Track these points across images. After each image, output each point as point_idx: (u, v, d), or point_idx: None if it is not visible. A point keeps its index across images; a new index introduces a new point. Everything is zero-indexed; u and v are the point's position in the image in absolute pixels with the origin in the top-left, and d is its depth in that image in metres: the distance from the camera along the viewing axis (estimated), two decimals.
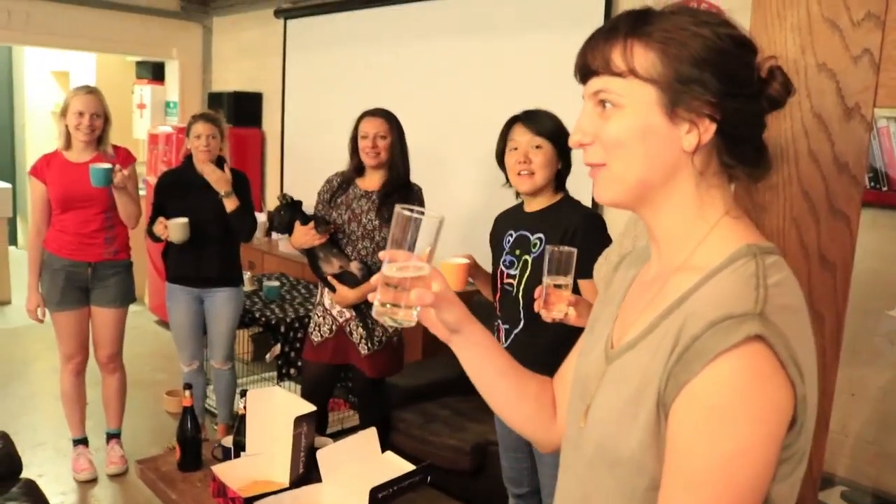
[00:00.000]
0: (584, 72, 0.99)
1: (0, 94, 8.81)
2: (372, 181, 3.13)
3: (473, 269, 2.51)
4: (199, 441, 2.50)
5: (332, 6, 5.54)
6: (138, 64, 7.15)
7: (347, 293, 3.06)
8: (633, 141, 0.95)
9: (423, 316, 1.13)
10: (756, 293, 0.87)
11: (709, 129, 0.93)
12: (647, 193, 0.98)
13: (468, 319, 1.16)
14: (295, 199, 3.23)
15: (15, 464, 2.82)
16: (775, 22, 1.14)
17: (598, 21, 3.72)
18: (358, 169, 3.15)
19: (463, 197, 4.40)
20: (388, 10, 5.08)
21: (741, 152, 0.96)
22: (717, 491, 0.85)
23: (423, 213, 1.07)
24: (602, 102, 0.97)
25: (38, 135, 8.75)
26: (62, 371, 3.67)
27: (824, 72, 1.13)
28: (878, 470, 3.00)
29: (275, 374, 4.32)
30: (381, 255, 1.10)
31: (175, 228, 3.44)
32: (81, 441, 3.77)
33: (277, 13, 6.03)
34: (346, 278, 3.08)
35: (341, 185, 3.17)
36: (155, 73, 7.03)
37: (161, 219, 3.49)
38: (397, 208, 1.08)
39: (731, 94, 0.92)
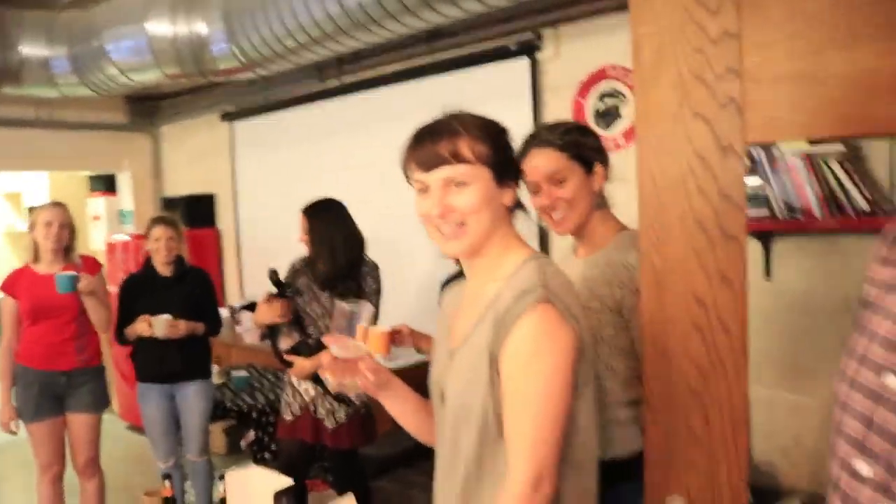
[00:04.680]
0: (433, 162, 1.40)
1: None
2: (323, 265, 3.28)
3: (410, 337, 2.50)
4: None
5: (275, 105, 5.80)
6: (91, 178, 7.29)
7: (304, 363, 3.16)
8: (484, 205, 1.40)
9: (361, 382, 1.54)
10: (539, 275, 1.36)
11: (515, 188, 1.47)
12: (486, 239, 1.44)
13: (392, 378, 1.60)
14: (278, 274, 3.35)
15: None
16: (653, 83, 1.35)
17: (527, 96, 4.02)
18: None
19: (418, 270, 4.57)
20: (330, 104, 5.34)
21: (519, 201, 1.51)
22: (540, 402, 1.31)
23: (356, 304, 1.52)
24: (451, 183, 1.40)
25: None
26: (39, 482, 3.68)
27: (699, 119, 1.34)
28: None
29: (249, 462, 4.37)
30: (325, 339, 1.53)
31: (159, 324, 3.56)
32: None
33: (223, 117, 6.26)
34: (301, 350, 3.20)
35: (302, 269, 3.34)
36: (107, 184, 7.17)
37: (144, 316, 3.59)
38: (337, 303, 1.51)
39: (516, 164, 1.50)
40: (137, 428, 6.05)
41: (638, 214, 1.40)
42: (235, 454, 5.06)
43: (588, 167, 1.94)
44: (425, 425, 1.64)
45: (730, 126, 1.32)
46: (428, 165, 1.41)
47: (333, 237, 3.25)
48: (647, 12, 1.35)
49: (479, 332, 1.40)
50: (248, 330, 5.45)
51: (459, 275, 2.74)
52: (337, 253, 3.23)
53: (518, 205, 1.49)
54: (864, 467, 1.01)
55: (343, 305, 1.50)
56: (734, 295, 1.35)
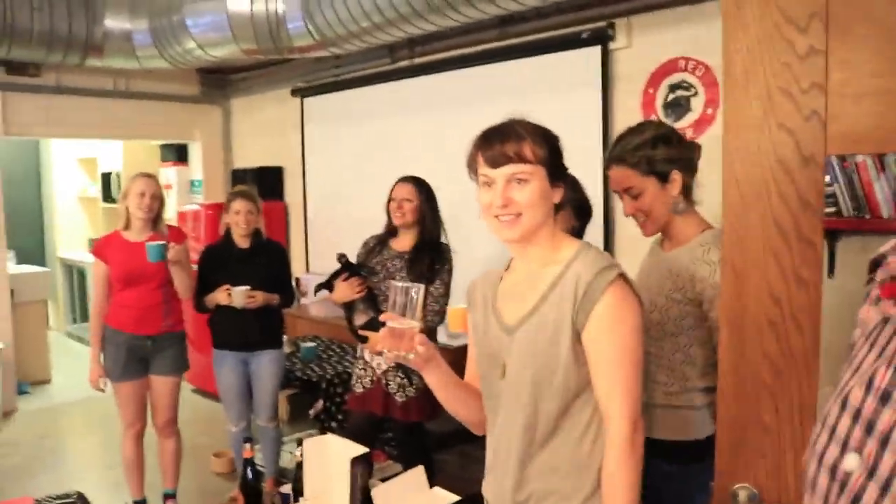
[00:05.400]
0: (500, 161, 1.61)
1: (29, 183, 9.19)
2: (404, 242, 3.42)
3: None
4: (260, 490, 2.74)
5: (346, 83, 5.94)
6: (163, 147, 7.53)
7: (378, 338, 3.29)
8: (539, 200, 1.63)
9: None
10: (607, 258, 1.65)
11: (562, 188, 1.68)
12: (537, 230, 1.66)
13: (436, 353, 1.75)
14: (348, 258, 3.48)
15: None
16: (742, 94, 1.44)
17: (596, 84, 4.08)
18: (392, 231, 3.45)
19: (480, 251, 4.67)
20: (400, 83, 5.47)
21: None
22: (626, 360, 1.58)
23: (412, 285, 1.64)
24: (514, 179, 1.61)
25: (67, 220, 9.13)
26: (123, 437, 3.90)
27: (783, 130, 1.42)
28: None
29: (313, 431, 4.56)
30: (382, 317, 1.67)
31: (238, 295, 3.75)
32: (140, 503, 3.99)
33: (294, 92, 6.43)
34: (375, 325, 3.32)
35: (375, 247, 3.48)
36: (178, 154, 7.41)
37: (226, 286, 3.78)
38: (391, 282, 1.67)
39: (564, 168, 1.70)
40: (202, 392, 6.33)
41: (722, 216, 1.49)
42: (298, 421, 5.27)
43: (663, 177, 2.03)
44: (460, 401, 1.86)
45: (812, 138, 1.40)
46: (495, 163, 1.62)
47: (427, 211, 3.42)
48: (739, 27, 1.43)
49: (549, 306, 1.64)
50: (315, 302, 5.64)
51: None
52: (426, 228, 3.40)
53: (561, 204, 1.72)
54: None
55: (398, 284, 1.65)
56: (809, 295, 1.44)
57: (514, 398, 1.69)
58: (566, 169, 1.72)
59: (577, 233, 2.77)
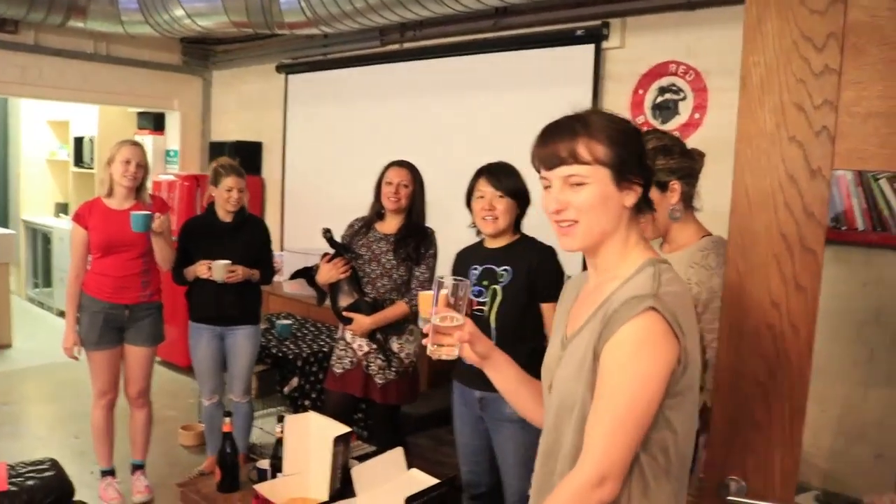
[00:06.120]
0: (553, 161, 1.46)
1: None
2: (390, 225, 3.45)
3: None
4: (237, 464, 2.76)
5: (333, 63, 5.92)
6: (139, 114, 7.44)
7: (364, 320, 3.34)
8: (599, 205, 1.44)
9: (462, 350, 1.61)
10: (653, 284, 1.39)
11: (638, 189, 1.47)
12: (602, 238, 1.47)
13: (494, 349, 1.68)
14: (332, 234, 3.46)
15: (67, 488, 3.05)
16: (757, 106, 1.50)
17: (588, 81, 4.14)
18: (378, 213, 3.48)
19: (457, 237, 4.72)
20: (388, 67, 5.47)
21: (648, 200, 1.51)
22: (626, 399, 1.35)
23: (458, 280, 1.59)
24: (569, 182, 1.44)
25: (33, 183, 8.97)
26: (94, 406, 3.87)
27: (794, 143, 1.48)
28: (848, 476, 3.33)
29: (283, 408, 4.58)
30: (430, 312, 1.60)
31: (218, 268, 3.75)
32: (109, 472, 3.97)
33: (279, 68, 6.39)
34: (360, 307, 3.38)
35: (361, 229, 3.50)
36: (155, 123, 7.32)
37: (205, 261, 3.78)
38: (446, 279, 1.60)
39: (642, 166, 1.48)
40: (168, 363, 6.30)
41: (729, 222, 1.56)
42: (266, 397, 5.28)
43: (662, 187, 2.11)
44: (528, 403, 1.70)
45: (821, 152, 1.47)
46: (549, 164, 1.46)
47: (419, 196, 3.46)
48: (759, 43, 1.49)
49: (590, 327, 1.45)
50: (289, 281, 5.64)
51: (475, 246, 2.96)
52: (415, 212, 3.45)
53: (644, 205, 1.50)
54: None
55: (443, 280, 1.62)
56: (806, 301, 1.51)
57: (548, 417, 1.56)
58: (639, 166, 1.48)
59: (519, 221, 2.96)
